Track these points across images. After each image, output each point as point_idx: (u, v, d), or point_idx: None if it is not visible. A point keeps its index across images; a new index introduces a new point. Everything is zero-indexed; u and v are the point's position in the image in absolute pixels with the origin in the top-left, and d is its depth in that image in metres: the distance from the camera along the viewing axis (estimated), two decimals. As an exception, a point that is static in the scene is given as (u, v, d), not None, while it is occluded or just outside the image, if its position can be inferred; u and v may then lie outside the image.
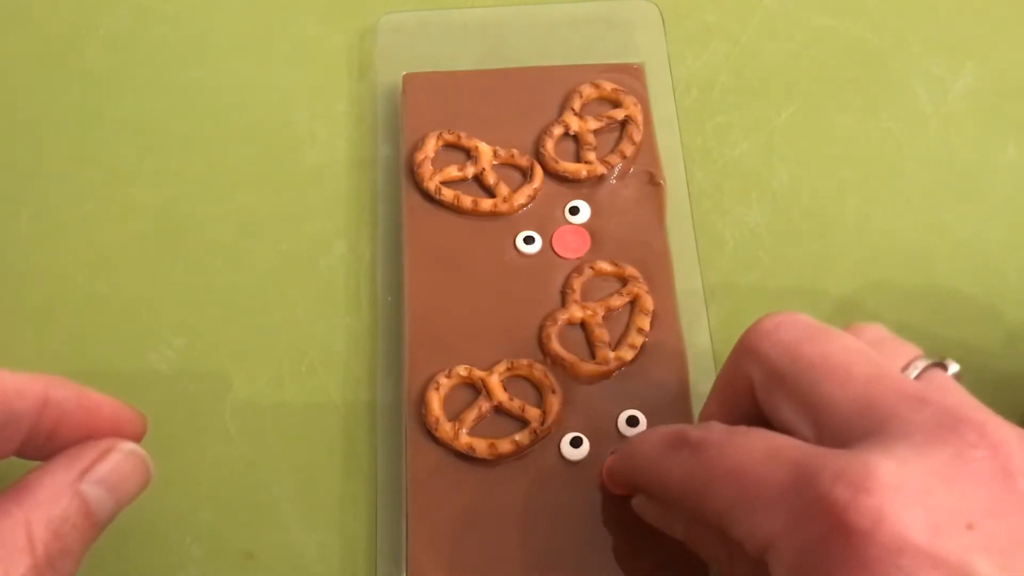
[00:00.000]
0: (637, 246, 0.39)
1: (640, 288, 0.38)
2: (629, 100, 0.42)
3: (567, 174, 0.41)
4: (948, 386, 0.27)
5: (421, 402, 0.36)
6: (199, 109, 0.45)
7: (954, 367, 0.28)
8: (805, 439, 0.26)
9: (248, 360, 0.39)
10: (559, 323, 0.38)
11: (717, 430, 0.27)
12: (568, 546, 0.34)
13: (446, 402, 0.36)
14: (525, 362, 0.37)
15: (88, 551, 0.35)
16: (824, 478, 0.24)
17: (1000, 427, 0.25)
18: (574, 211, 0.40)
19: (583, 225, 0.40)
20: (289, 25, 0.47)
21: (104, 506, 0.27)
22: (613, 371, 0.37)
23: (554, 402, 0.36)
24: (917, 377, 0.28)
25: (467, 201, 0.40)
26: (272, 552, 0.36)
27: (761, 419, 0.29)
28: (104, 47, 0.47)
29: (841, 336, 0.28)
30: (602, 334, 0.37)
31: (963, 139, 0.43)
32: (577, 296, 0.38)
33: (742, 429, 0.27)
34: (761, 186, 0.42)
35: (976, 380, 0.38)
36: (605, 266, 0.39)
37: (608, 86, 0.42)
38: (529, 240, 0.39)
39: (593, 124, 0.41)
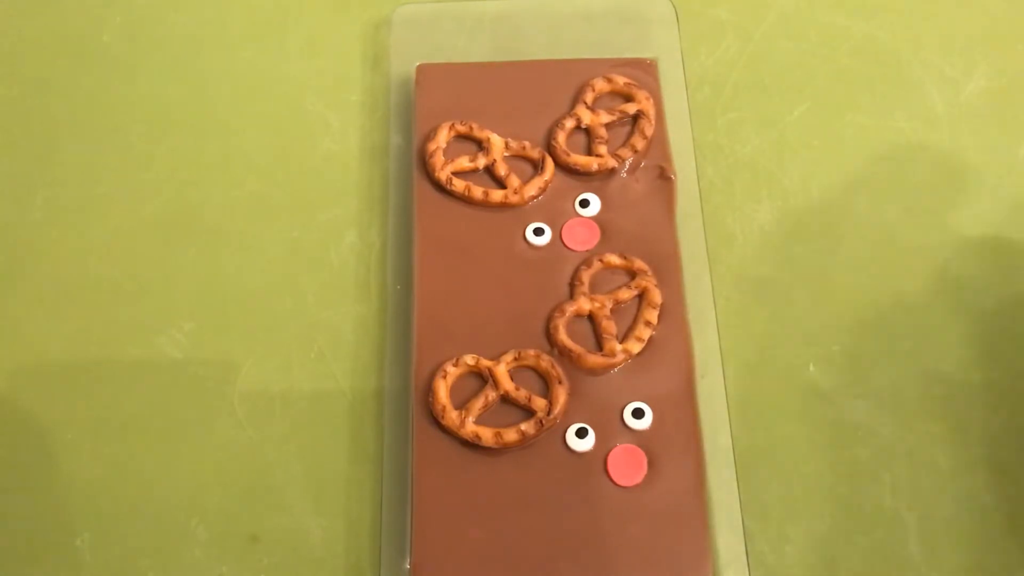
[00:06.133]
0: (646, 240, 0.39)
1: (648, 282, 0.38)
2: (641, 95, 0.42)
3: (578, 167, 0.41)
4: None
5: (428, 390, 0.36)
6: (214, 96, 0.45)
7: None
8: None
9: (257, 345, 0.40)
10: (567, 315, 0.38)
11: None
12: (571, 535, 0.34)
13: (453, 390, 0.37)
14: (532, 352, 0.37)
15: (94, 530, 0.35)
16: None
17: None
18: (584, 204, 0.40)
19: (593, 218, 0.40)
20: (305, 15, 0.47)
21: None
22: (620, 363, 0.37)
23: (560, 393, 0.36)
24: None
25: (478, 192, 0.40)
26: (277, 536, 0.36)
27: None
28: (121, 34, 0.47)
29: None
30: (610, 326, 0.37)
31: (975, 139, 0.43)
32: (585, 288, 0.38)
33: None
34: (771, 183, 0.42)
35: (984, 380, 0.38)
36: (614, 259, 0.39)
37: (621, 80, 0.42)
38: (539, 232, 0.40)
39: (605, 118, 0.42)
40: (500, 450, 0.36)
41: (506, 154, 0.41)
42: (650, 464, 0.35)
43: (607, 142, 0.41)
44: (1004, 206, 0.42)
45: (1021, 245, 0.41)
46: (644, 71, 0.43)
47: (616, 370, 0.37)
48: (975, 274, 0.40)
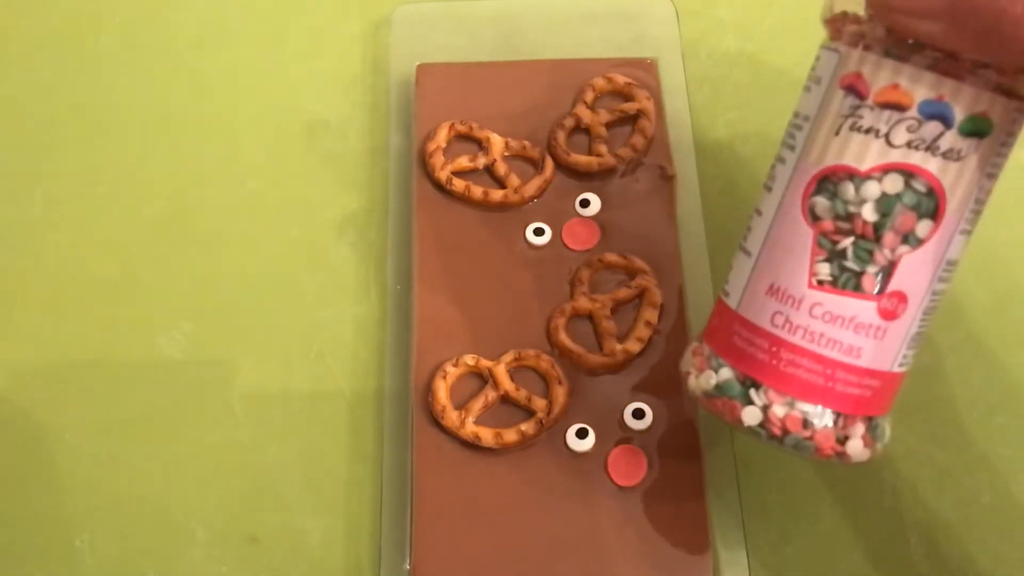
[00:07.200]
0: (647, 239, 0.39)
1: (649, 281, 0.38)
2: (641, 94, 0.42)
3: (578, 166, 0.41)
4: None
5: (428, 390, 0.36)
6: (214, 96, 0.45)
7: None
8: None
9: (256, 346, 0.40)
10: (567, 315, 0.38)
11: None
12: (571, 535, 0.34)
13: (453, 391, 0.37)
14: (532, 353, 0.37)
15: (94, 531, 0.35)
16: None
17: None
18: (584, 203, 0.40)
19: (593, 217, 0.40)
20: (305, 15, 0.47)
21: None
22: (620, 363, 0.37)
23: (560, 393, 0.36)
24: None
25: (478, 192, 0.40)
26: (276, 536, 0.36)
27: None
28: (120, 33, 0.47)
29: None
30: (610, 326, 0.37)
31: (975, 139, 0.43)
32: (585, 288, 0.38)
33: None
34: (772, 183, 0.42)
35: (984, 379, 0.38)
36: (614, 259, 0.39)
37: (621, 80, 0.42)
38: (539, 232, 0.40)
39: (605, 117, 0.42)
40: (500, 450, 0.36)
41: (506, 154, 0.41)
42: (650, 464, 0.35)
43: (607, 142, 0.41)
44: (1003, 206, 0.41)
45: (1012, 244, 0.41)
46: (644, 71, 0.43)
47: (617, 370, 0.37)
48: (969, 273, 0.40)
